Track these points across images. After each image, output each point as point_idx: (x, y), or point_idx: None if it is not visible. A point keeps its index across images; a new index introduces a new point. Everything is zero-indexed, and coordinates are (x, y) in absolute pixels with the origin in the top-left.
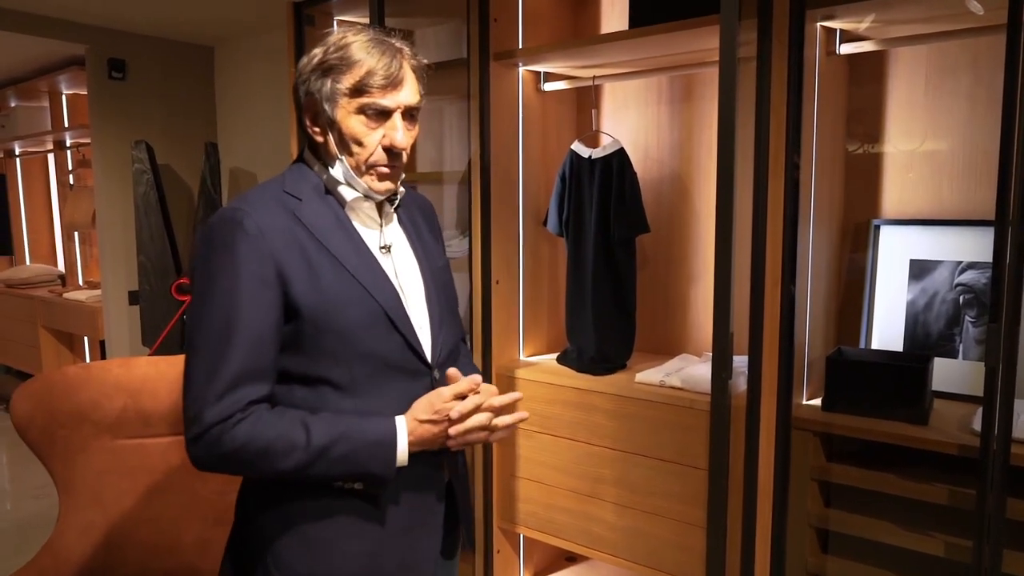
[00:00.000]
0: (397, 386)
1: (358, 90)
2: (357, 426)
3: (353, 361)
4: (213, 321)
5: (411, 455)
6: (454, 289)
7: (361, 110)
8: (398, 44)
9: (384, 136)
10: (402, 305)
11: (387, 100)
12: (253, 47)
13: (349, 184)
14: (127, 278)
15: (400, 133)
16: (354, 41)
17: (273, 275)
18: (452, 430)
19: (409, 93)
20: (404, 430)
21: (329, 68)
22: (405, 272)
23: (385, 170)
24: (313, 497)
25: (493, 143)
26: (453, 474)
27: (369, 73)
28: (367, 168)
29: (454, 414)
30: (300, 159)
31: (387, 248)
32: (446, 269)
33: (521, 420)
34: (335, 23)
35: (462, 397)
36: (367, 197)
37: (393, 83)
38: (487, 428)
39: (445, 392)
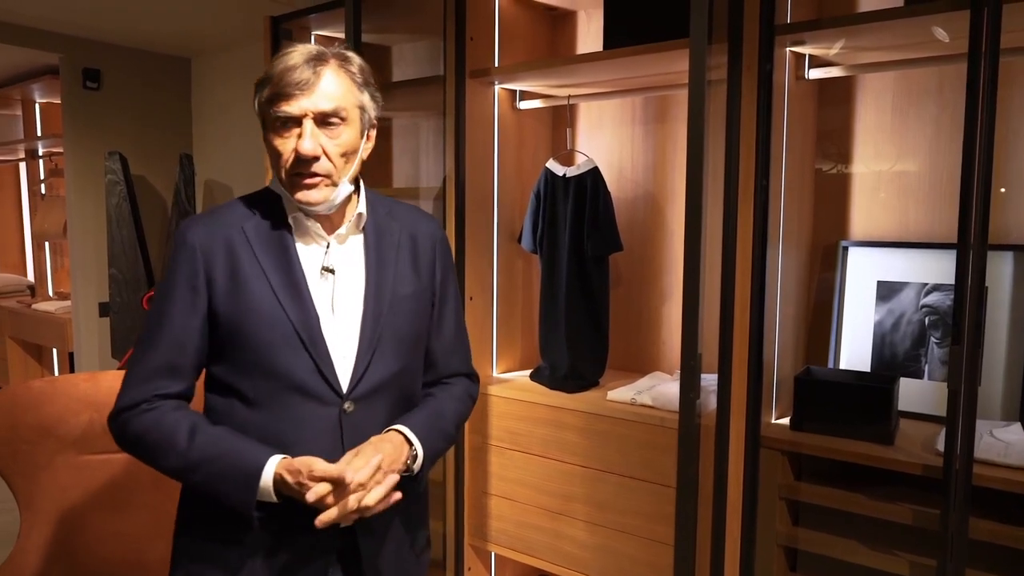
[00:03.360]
0: (303, 409)
1: (269, 100)
2: (236, 449)
3: (259, 376)
4: (150, 319)
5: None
6: (422, 319)
7: (274, 120)
8: (331, 52)
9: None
10: (319, 327)
11: (291, 107)
12: (230, 60)
13: (288, 199)
14: (98, 289)
15: (307, 141)
16: (280, 55)
17: (203, 283)
18: (309, 496)
19: (321, 98)
20: (272, 469)
21: (258, 84)
22: (344, 296)
23: (299, 179)
24: (221, 521)
25: (468, 160)
26: (360, 527)
27: (276, 82)
28: (288, 178)
29: (310, 496)
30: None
31: (329, 270)
32: (415, 297)
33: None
34: (312, 38)
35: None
36: (307, 215)
37: (299, 88)
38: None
39: (317, 465)
